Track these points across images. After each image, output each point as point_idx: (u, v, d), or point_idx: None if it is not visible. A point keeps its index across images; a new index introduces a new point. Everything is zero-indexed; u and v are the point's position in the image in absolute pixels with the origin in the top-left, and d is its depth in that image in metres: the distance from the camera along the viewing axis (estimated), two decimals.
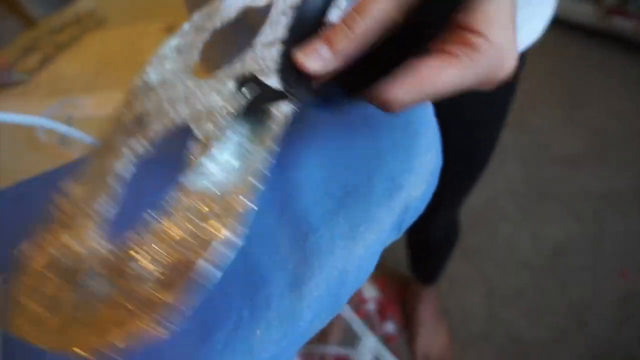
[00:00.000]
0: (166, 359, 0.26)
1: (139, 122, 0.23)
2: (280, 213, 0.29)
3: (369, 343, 1.06)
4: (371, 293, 1.11)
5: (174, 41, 0.26)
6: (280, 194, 0.29)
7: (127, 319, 0.18)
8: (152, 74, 0.25)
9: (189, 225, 0.20)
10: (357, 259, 0.27)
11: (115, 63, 0.79)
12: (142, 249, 0.19)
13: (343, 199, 0.28)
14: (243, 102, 0.22)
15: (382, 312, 1.11)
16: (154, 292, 0.18)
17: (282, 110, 0.23)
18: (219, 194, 0.20)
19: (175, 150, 0.23)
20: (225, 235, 0.19)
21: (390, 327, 1.09)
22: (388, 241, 0.29)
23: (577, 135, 1.33)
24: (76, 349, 0.18)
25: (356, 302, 1.09)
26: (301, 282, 0.26)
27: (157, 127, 0.23)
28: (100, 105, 0.70)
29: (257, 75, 0.23)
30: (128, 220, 0.21)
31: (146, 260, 0.19)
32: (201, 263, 0.19)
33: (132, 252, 0.19)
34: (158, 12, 0.83)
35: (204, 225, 0.19)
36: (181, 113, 0.23)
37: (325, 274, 0.26)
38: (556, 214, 1.21)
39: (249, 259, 0.27)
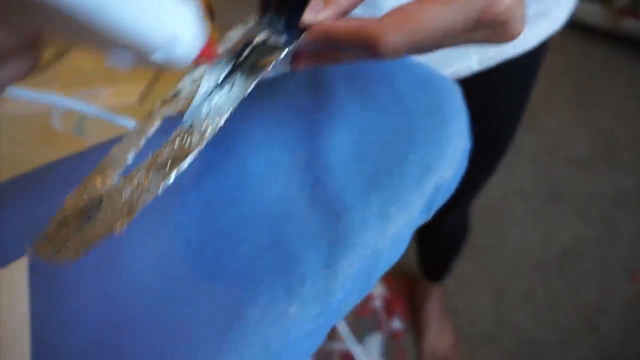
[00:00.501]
0: (198, 334, 0.26)
1: (175, 96, 0.29)
2: (311, 192, 0.29)
3: (375, 340, 1.06)
4: (378, 290, 1.10)
5: None
6: (311, 173, 0.30)
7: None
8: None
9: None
10: (389, 238, 0.27)
11: None
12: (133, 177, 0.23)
13: (375, 176, 0.28)
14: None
15: (389, 309, 1.10)
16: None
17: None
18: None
19: None
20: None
21: (396, 324, 1.09)
22: (419, 222, 0.29)
23: (586, 137, 1.33)
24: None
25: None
26: (335, 260, 0.26)
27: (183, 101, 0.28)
28: (118, 96, 0.70)
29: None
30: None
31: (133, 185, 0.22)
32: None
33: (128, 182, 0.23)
34: None
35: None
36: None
37: (359, 253, 0.26)
38: (565, 216, 1.20)
39: (281, 236, 0.28)
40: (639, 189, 1.20)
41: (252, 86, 0.22)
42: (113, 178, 0.25)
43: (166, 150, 0.22)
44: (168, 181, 0.20)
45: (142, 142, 0.27)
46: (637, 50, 1.43)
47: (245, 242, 0.28)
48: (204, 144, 0.21)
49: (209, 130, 0.21)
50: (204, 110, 0.23)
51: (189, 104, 0.27)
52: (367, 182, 0.28)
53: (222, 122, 0.21)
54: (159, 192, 0.20)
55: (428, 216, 0.30)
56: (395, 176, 0.28)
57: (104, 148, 0.39)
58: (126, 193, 0.21)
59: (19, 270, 0.31)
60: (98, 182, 0.25)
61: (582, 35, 1.49)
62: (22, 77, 0.17)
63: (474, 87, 0.40)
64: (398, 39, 0.19)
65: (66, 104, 0.33)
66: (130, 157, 0.26)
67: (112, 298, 0.29)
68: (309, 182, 0.29)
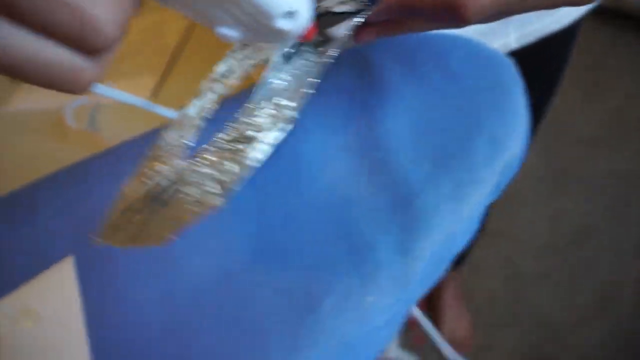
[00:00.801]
0: (270, 330, 0.24)
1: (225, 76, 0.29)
2: (374, 177, 0.28)
3: None
4: None
5: None
6: (369, 158, 0.28)
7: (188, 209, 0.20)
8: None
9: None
10: (463, 220, 0.26)
11: (139, 49, 0.78)
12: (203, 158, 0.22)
13: (443, 160, 0.27)
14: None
15: None
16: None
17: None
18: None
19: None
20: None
21: (414, 311, 1.08)
22: (488, 202, 0.28)
23: (595, 116, 1.32)
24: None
25: None
26: (410, 246, 0.25)
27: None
28: (128, 91, 0.68)
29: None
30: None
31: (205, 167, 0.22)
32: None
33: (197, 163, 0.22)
34: None
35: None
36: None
37: (434, 237, 0.25)
38: (576, 196, 1.20)
39: (347, 223, 0.26)
40: None
41: (332, 52, 0.22)
42: (176, 161, 0.24)
43: (243, 125, 0.22)
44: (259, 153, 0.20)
45: (200, 123, 0.27)
46: None
47: (309, 231, 0.27)
48: (295, 113, 0.20)
49: (294, 102, 0.21)
50: (278, 84, 0.23)
51: (245, 83, 0.28)
52: (434, 165, 0.27)
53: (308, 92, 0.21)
54: (256, 163, 0.19)
55: (495, 195, 0.29)
56: (464, 157, 0.26)
57: (132, 143, 0.38)
58: (205, 172, 0.21)
59: (67, 270, 0.30)
60: (156, 166, 0.25)
61: (589, 15, 1.48)
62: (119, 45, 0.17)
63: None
64: (487, 1, 0.18)
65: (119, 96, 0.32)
66: (189, 139, 0.26)
67: (171, 297, 0.27)
68: (367, 166, 0.28)
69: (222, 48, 0.33)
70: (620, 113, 1.32)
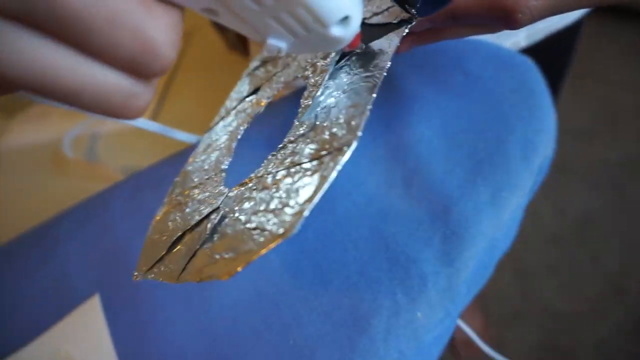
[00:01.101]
0: (320, 355, 0.24)
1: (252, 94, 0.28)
2: (407, 189, 0.27)
3: None
4: None
5: None
6: (401, 170, 0.28)
7: (254, 238, 0.18)
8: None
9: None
10: (504, 225, 0.25)
11: None
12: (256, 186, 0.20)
13: (477, 166, 0.26)
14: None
15: None
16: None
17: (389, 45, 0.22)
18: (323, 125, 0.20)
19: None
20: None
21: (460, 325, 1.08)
22: (525, 204, 0.27)
23: (586, 107, 1.34)
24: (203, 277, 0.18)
25: None
26: (453, 256, 0.24)
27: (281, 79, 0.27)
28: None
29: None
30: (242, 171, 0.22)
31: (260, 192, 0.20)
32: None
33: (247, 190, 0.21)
34: None
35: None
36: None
37: (477, 245, 0.24)
38: (575, 187, 1.21)
39: (386, 239, 0.26)
40: None
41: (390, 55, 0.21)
42: (217, 188, 0.23)
43: (299, 144, 0.20)
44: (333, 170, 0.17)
45: (232, 144, 0.26)
46: (628, 18, 1.44)
47: (348, 249, 0.26)
48: (363, 122, 0.18)
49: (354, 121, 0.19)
50: (327, 99, 0.21)
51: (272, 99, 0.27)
52: (468, 172, 0.26)
53: (370, 105, 0.19)
54: (327, 183, 0.17)
55: (530, 198, 0.28)
56: (499, 161, 0.26)
57: (150, 171, 0.37)
58: (263, 197, 0.19)
59: (94, 309, 0.29)
60: (197, 195, 0.24)
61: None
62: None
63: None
64: (539, 3, 0.18)
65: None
66: (225, 163, 0.25)
67: (208, 328, 0.26)
68: (400, 178, 0.28)
69: (216, 67, 0.32)
70: (610, 103, 1.33)
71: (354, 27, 0.17)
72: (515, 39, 0.41)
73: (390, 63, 0.20)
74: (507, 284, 1.11)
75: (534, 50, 0.44)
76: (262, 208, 0.18)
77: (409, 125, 0.29)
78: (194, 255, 0.19)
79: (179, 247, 0.21)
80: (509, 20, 0.19)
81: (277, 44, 0.17)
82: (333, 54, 0.23)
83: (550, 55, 0.48)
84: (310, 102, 0.22)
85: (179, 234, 0.21)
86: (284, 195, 0.18)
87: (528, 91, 0.28)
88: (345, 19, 0.16)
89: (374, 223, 0.26)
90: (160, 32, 0.13)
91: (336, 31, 0.16)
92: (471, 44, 0.32)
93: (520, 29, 0.41)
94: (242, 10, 0.15)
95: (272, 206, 0.18)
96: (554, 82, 0.52)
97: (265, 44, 0.17)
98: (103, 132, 0.66)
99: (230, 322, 0.26)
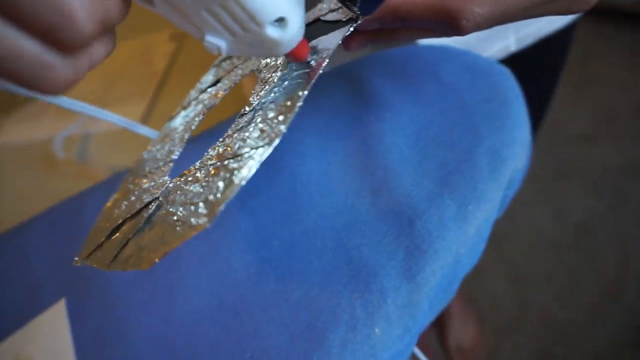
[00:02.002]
0: None
1: (212, 86, 0.28)
2: (374, 200, 0.26)
3: None
4: None
5: None
6: (370, 179, 0.27)
7: (176, 230, 0.18)
8: None
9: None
10: (469, 240, 0.25)
11: (127, 76, 0.77)
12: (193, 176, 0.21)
13: (445, 178, 0.26)
14: None
15: None
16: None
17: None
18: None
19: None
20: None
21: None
22: (494, 219, 0.27)
23: (588, 111, 1.32)
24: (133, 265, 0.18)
25: None
26: (415, 270, 0.24)
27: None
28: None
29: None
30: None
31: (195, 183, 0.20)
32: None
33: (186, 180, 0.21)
34: (165, 21, 0.81)
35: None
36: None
37: (441, 260, 0.24)
38: (575, 192, 1.19)
39: (350, 251, 0.25)
40: None
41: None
42: (163, 178, 0.23)
43: (232, 141, 0.20)
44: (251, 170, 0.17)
45: (186, 135, 0.26)
46: (627, 21, 1.42)
47: (312, 260, 0.25)
48: (285, 127, 0.18)
49: (283, 116, 0.19)
50: (268, 95, 0.21)
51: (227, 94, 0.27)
52: (436, 184, 0.25)
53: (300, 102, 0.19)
54: (243, 181, 0.17)
55: (500, 212, 0.28)
56: (466, 173, 0.25)
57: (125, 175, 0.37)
58: (192, 190, 0.19)
59: (59, 313, 0.29)
60: (144, 183, 0.24)
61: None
62: (106, 57, 0.17)
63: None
64: (485, 10, 0.18)
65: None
66: (176, 154, 0.25)
67: (167, 334, 0.26)
68: (368, 188, 0.27)
69: (207, 70, 0.32)
70: (612, 108, 1.31)
71: (292, 31, 0.17)
72: (505, 43, 0.41)
73: (327, 60, 0.20)
74: (503, 291, 1.10)
75: (525, 55, 0.43)
76: (188, 201, 0.19)
77: (380, 133, 0.29)
78: (126, 244, 0.20)
79: (117, 235, 0.21)
80: (454, 26, 0.19)
81: (216, 42, 0.17)
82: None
83: (543, 59, 0.47)
84: (255, 98, 0.22)
85: (120, 221, 0.22)
86: (207, 189, 0.18)
87: (502, 101, 0.28)
88: (281, 21, 0.16)
89: (340, 234, 0.26)
90: (79, 3, 0.13)
91: (272, 32, 0.16)
92: (446, 52, 0.31)
93: (510, 33, 0.41)
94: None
95: (195, 199, 0.18)
96: (547, 86, 0.51)
97: (204, 41, 0.17)
98: (94, 133, 0.66)
99: (190, 330, 0.26)
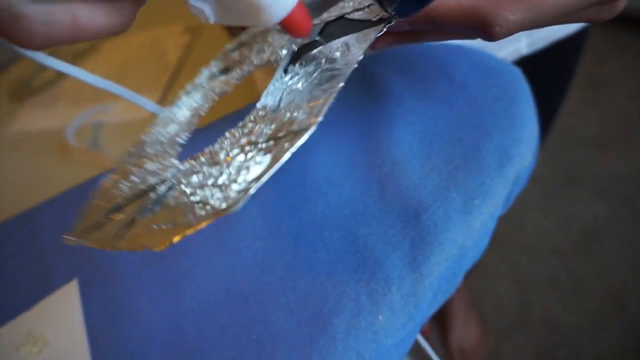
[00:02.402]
0: (280, 351, 0.24)
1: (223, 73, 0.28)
2: (382, 192, 0.27)
3: None
4: None
5: None
6: (377, 173, 0.28)
7: (197, 211, 0.17)
8: None
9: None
10: (475, 233, 0.25)
11: (139, 67, 0.78)
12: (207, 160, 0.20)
13: (452, 172, 0.26)
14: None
15: None
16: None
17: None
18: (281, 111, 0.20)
19: None
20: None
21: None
22: (500, 213, 0.27)
23: (599, 118, 1.32)
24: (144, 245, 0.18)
25: None
26: (420, 261, 0.24)
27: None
28: (128, 110, 0.69)
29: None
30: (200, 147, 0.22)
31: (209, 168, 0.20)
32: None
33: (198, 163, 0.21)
34: (177, 14, 0.82)
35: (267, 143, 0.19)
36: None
37: (445, 252, 0.24)
38: (583, 198, 1.19)
39: (357, 239, 0.26)
40: None
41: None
42: (172, 160, 0.23)
43: (259, 124, 0.20)
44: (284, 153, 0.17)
45: (194, 120, 0.26)
46: (638, 28, 1.42)
47: (318, 249, 0.26)
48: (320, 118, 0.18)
49: (324, 106, 0.18)
50: (295, 84, 0.21)
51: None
52: (443, 178, 0.26)
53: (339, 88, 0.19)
54: (279, 164, 0.17)
55: (505, 208, 0.28)
56: (473, 169, 0.26)
57: None
58: (209, 172, 0.19)
59: (71, 293, 0.30)
60: (147, 164, 0.24)
61: None
62: (106, 33, 0.16)
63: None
64: (518, 18, 0.18)
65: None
66: (183, 138, 0.25)
67: (177, 318, 0.27)
68: (376, 181, 0.28)
69: None
70: (624, 114, 1.31)
71: (278, 5, 0.16)
72: (516, 46, 0.41)
73: (361, 58, 0.20)
74: (506, 293, 1.10)
75: (537, 58, 0.43)
76: (209, 182, 0.18)
77: (389, 128, 0.29)
78: (131, 223, 0.19)
79: (118, 215, 0.21)
80: (486, 32, 0.19)
81: (200, 5, 0.17)
82: (300, 40, 0.23)
83: (554, 63, 0.47)
84: (275, 85, 0.22)
85: (121, 202, 0.21)
86: (233, 171, 0.18)
87: (511, 100, 0.28)
88: None
89: (347, 225, 0.26)
90: None
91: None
92: (458, 50, 0.31)
93: (521, 36, 0.41)
94: None
95: (220, 181, 0.18)
96: (558, 89, 0.51)
97: (188, 4, 0.17)
98: (106, 123, 0.67)
99: (198, 315, 0.26)
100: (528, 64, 0.43)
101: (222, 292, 0.27)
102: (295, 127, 0.18)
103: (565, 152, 1.27)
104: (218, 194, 0.17)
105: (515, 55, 0.42)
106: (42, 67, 0.84)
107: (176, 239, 0.16)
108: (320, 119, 0.17)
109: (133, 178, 0.23)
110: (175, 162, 0.23)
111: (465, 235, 0.25)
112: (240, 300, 0.26)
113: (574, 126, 1.31)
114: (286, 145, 0.17)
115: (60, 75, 0.77)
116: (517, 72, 0.30)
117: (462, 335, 1.06)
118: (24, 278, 0.32)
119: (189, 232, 0.16)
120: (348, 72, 0.20)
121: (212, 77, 0.29)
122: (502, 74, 0.30)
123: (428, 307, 0.25)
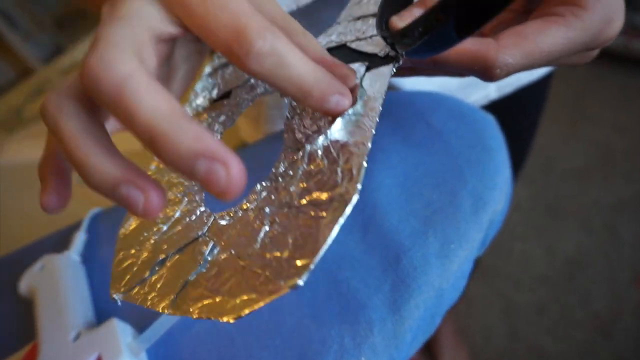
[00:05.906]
0: None
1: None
2: (364, 235, 0.28)
3: None
4: None
5: None
6: (360, 217, 0.29)
7: (257, 282, 0.16)
8: None
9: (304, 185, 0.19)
10: (452, 276, 0.26)
11: None
12: (259, 212, 0.19)
13: (430, 217, 0.27)
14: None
15: None
16: (282, 254, 0.16)
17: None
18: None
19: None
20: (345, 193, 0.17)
21: None
22: (474, 257, 0.29)
23: (581, 149, 1.35)
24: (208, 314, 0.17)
25: None
26: (400, 303, 0.25)
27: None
28: (121, 143, 0.69)
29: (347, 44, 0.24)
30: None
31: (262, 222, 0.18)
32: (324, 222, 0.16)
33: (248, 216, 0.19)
34: None
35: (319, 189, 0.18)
36: None
37: (423, 294, 0.26)
38: (567, 227, 1.21)
39: (340, 283, 0.27)
40: (638, 195, 1.22)
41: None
42: (197, 207, 0.22)
43: (293, 180, 0.19)
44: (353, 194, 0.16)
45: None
46: (623, 64, 1.47)
47: (303, 291, 0.27)
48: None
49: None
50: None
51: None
52: (421, 222, 0.27)
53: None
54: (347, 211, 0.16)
55: (481, 250, 0.29)
56: (450, 213, 0.27)
57: None
58: (253, 235, 0.17)
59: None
60: (174, 211, 0.22)
61: None
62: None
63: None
64: (517, 62, 0.20)
65: None
66: None
67: (163, 355, 0.28)
68: (359, 225, 0.29)
69: None
70: (605, 145, 1.35)
71: None
72: (486, 92, 0.43)
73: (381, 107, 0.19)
74: (494, 322, 1.11)
75: (507, 101, 0.46)
76: (258, 249, 0.17)
77: (370, 172, 0.31)
78: (185, 284, 0.18)
79: (162, 270, 0.20)
80: (487, 74, 0.20)
81: None
82: None
83: (523, 105, 0.50)
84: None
85: (162, 256, 0.20)
86: (288, 231, 0.17)
87: (484, 148, 0.30)
88: None
89: (330, 267, 0.28)
90: None
91: None
92: (437, 98, 0.33)
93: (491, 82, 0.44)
94: None
95: (277, 249, 0.17)
96: (528, 130, 0.54)
97: None
98: None
99: (187, 355, 0.27)
100: (498, 107, 0.46)
101: (211, 331, 0.27)
102: (338, 192, 0.17)
103: (548, 184, 1.30)
104: (272, 264, 0.16)
105: (485, 100, 0.44)
106: (31, 101, 0.84)
107: (247, 311, 0.16)
108: (359, 187, 0.17)
109: (162, 226, 0.22)
110: (207, 211, 0.21)
111: (443, 278, 0.26)
112: (227, 341, 0.27)
113: (557, 159, 1.34)
114: (335, 214, 0.16)
115: None
116: (491, 119, 0.32)
117: None
118: (10, 323, 0.32)
119: (257, 304, 0.16)
120: (374, 127, 0.19)
121: (213, 99, 0.28)
122: (476, 122, 0.31)
123: (409, 348, 0.26)
